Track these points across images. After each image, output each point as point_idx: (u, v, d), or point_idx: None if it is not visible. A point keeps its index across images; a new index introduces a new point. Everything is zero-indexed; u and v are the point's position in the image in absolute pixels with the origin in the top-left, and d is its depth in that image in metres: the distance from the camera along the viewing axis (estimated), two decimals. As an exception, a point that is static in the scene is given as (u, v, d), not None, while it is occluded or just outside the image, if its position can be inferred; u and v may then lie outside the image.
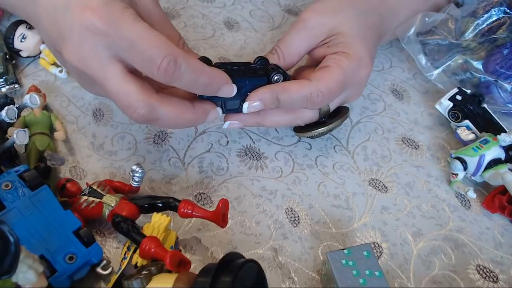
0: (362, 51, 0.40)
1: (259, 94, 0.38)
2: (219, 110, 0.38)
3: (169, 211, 0.38)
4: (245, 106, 0.38)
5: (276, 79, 0.38)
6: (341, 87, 0.40)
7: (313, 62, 0.43)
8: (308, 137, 0.44)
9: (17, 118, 0.41)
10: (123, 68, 0.32)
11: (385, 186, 0.45)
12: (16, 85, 0.48)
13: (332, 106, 0.43)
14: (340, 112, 0.44)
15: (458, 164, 0.43)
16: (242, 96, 0.38)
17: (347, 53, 0.40)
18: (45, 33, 0.35)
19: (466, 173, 0.45)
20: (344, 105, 0.46)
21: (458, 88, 0.48)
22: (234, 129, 0.45)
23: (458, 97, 0.48)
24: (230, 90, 0.36)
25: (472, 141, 0.45)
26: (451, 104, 0.47)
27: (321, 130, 0.43)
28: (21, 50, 0.49)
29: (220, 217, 0.35)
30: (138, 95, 0.32)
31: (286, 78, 0.39)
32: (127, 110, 0.33)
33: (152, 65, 0.31)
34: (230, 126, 0.41)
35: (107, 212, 0.36)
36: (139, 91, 0.32)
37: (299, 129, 0.45)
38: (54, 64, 0.50)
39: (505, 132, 0.46)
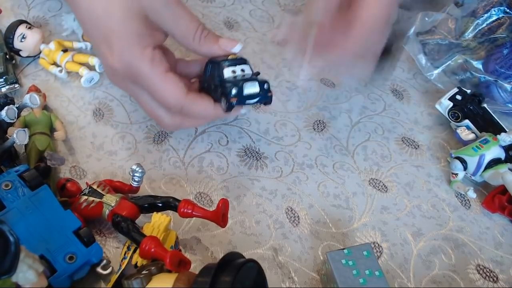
0: None
1: None
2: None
3: (169, 211, 0.38)
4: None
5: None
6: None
7: None
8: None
9: (17, 118, 0.41)
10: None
11: (385, 186, 0.45)
12: (16, 85, 0.48)
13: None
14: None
15: (458, 164, 0.43)
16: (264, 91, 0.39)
17: None
18: (89, 34, 0.39)
19: (466, 173, 0.45)
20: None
21: (458, 88, 0.48)
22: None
23: (458, 97, 0.48)
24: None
25: (472, 141, 0.45)
26: (451, 104, 0.47)
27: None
28: (21, 50, 0.49)
29: (220, 217, 0.36)
30: (181, 89, 0.37)
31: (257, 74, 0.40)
32: (168, 101, 0.38)
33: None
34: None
35: (107, 212, 0.36)
36: (182, 86, 0.38)
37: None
38: (54, 64, 0.50)
39: (505, 132, 0.46)
